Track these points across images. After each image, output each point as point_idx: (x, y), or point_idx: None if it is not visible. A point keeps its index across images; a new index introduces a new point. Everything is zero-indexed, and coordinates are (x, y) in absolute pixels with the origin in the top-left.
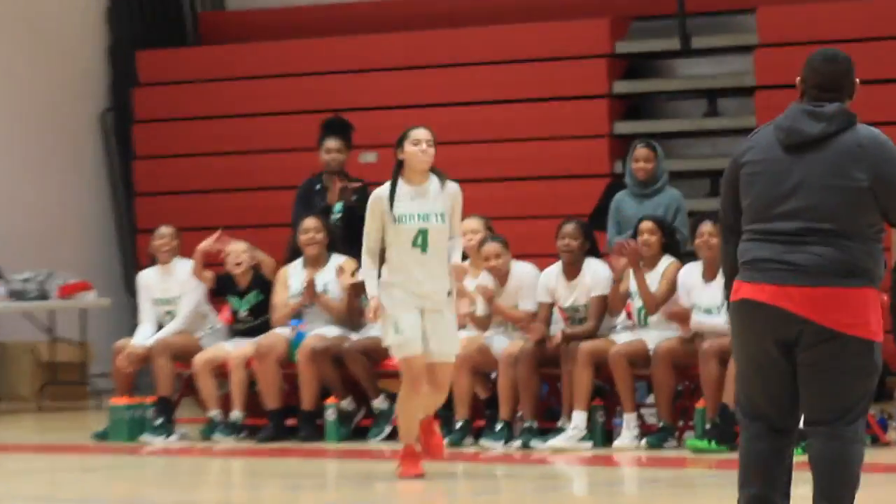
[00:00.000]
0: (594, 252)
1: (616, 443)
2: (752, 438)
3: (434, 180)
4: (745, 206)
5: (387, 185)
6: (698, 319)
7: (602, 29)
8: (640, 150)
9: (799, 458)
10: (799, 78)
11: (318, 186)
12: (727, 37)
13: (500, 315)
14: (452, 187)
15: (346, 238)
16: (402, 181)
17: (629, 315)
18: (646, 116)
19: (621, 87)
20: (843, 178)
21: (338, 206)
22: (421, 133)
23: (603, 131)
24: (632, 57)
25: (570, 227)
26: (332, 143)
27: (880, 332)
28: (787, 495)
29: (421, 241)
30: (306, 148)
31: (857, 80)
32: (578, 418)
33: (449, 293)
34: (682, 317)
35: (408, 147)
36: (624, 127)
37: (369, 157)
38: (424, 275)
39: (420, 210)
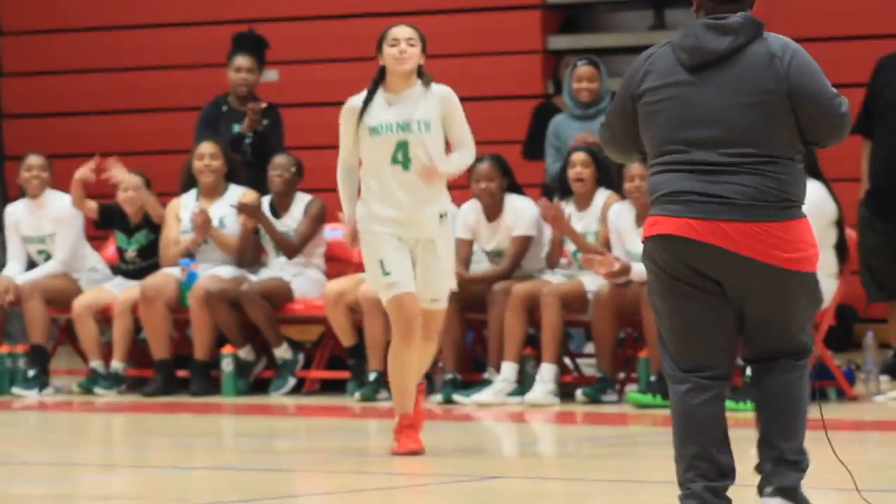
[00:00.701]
0: (514, 187)
1: (527, 396)
2: (687, 392)
3: (418, 85)
4: (649, 139)
5: (362, 94)
6: (638, 268)
7: None
8: (583, 69)
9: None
10: None
11: (224, 108)
12: None
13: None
14: (440, 90)
15: (257, 166)
16: (381, 90)
17: (564, 254)
18: (584, 30)
19: (557, 42)
20: (758, 94)
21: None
22: (399, 31)
23: (536, 46)
24: (569, 8)
25: (484, 167)
26: (242, 60)
27: (817, 262)
28: (728, 450)
29: (402, 155)
30: (206, 64)
31: None
32: (508, 370)
33: (442, 216)
34: (602, 264)
35: (385, 49)
36: (559, 41)
37: (271, 74)
38: (409, 197)
39: (398, 119)
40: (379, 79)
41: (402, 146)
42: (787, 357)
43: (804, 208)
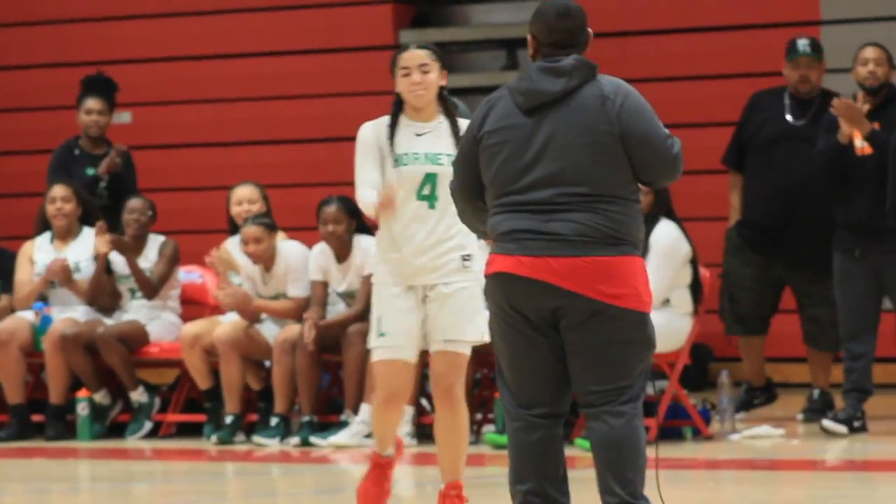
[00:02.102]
0: (363, 228)
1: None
2: (522, 429)
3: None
4: (489, 181)
5: (380, 120)
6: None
7: None
8: None
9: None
10: (530, 35)
11: (76, 151)
12: None
13: (265, 312)
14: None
15: (112, 209)
16: (404, 117)
17: None
18: None
19: (409, 36)
20: (591, 134)
21: None
22: (410, 58)
23: (388, 87)
24: (421, 2)
25: (331, 210)
26: (93, 103)
27: (650, 304)
28: (564, 488)
29: (430, 190)
30: (56, 106)
31: (591, 30)
32: (365, 411)
33: (465, 259)
34: None
35: (398, 77)
36: None
37: (123, 117)
38: (431, 238)
39: (429, 149)
40: (398, 109)
41: (431, 179)
42: (614, 402)
43: (659, 247)
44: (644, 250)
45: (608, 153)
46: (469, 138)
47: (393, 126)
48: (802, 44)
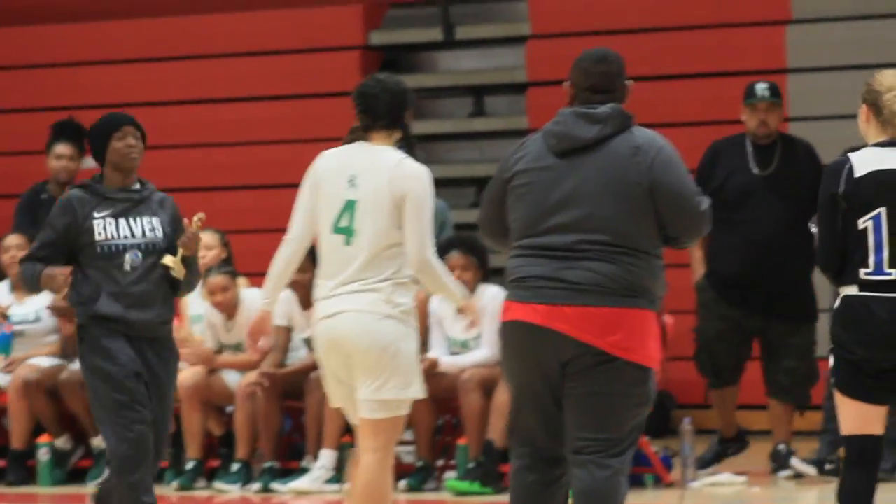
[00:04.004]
0: None
1: (345, 484)
2: (522, 469)
3: None
4: (514, 221)
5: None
6: (447, 360)
7: (354, 17)
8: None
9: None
10: (568, 81)
11: (43, 196)
12: (495, 27)
13: (228, 367)
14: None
15: None
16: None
17: None
18: None
19: None
20: (620, 184)
21: None
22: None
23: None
24: (388, 49)
25: None
26: (63, 148)
27: (657, 360)
28: None
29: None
30: (24, 151)
31: (630, 83)
32: (326, 457)
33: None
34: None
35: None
36: None
37: (90, 162)
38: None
39: None
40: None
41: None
42: (603, 453)
43: None
44: None
45: (635, 205)
46: (498, 179)
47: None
48: (761, 88)
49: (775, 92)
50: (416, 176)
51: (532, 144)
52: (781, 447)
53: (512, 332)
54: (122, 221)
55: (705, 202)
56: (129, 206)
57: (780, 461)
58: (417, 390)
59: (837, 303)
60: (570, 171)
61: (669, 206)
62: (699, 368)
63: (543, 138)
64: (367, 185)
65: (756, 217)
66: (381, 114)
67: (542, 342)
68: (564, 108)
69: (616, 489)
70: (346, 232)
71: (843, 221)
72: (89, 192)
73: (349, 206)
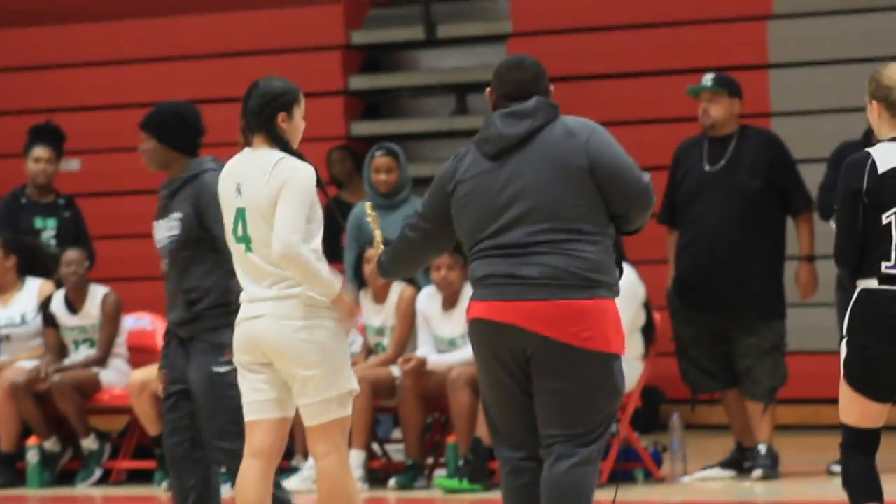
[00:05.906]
0: None
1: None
2: (510, 473)
3: None
4: (462, 230)
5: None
6: (434, 359)
7: (336, 17)
8: (380, 160)
9: None
10: (489, 88)
11: (23, 200)
12: (477, 25)
13: None
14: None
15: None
16: None
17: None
18: (387, 115)
19: (358, 82)
20: (559, 169)
21: (51, 222)
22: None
23: (339, 133)
24: (370, 48)
25: None
26: (41, 151)
27: (620, 347)
28: None
29: None
30: (1, 154)
31: (552, 87)
32: None
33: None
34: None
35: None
36: (362, 128)
37: (72, 164)
38: None
39: None
40: None
41: None
42: (569, 443)
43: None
44: None
45: (577, 186)
46: (439, 192)
47: None
48: (705, 77)
49: (721, 82)
50: (291, 168)
51: (466, 156)
52: (761, 448)
53: (476, 331)
54: None
55: (647, 175)
56: None
57: (765, 463)
58: (348, 381)
59: (855, 295)
60: (509, 170)
61: (611, 181)
62: (683, 378)
63: (477, 146)
64: (250, 192)
65: (701, 215)
66: (249, 117)
67: (504, 338)
68: (492, 113)
69: (580, 479)
70: (244, 240)
71: (863, 217)
72: None
73: (240, 214)
